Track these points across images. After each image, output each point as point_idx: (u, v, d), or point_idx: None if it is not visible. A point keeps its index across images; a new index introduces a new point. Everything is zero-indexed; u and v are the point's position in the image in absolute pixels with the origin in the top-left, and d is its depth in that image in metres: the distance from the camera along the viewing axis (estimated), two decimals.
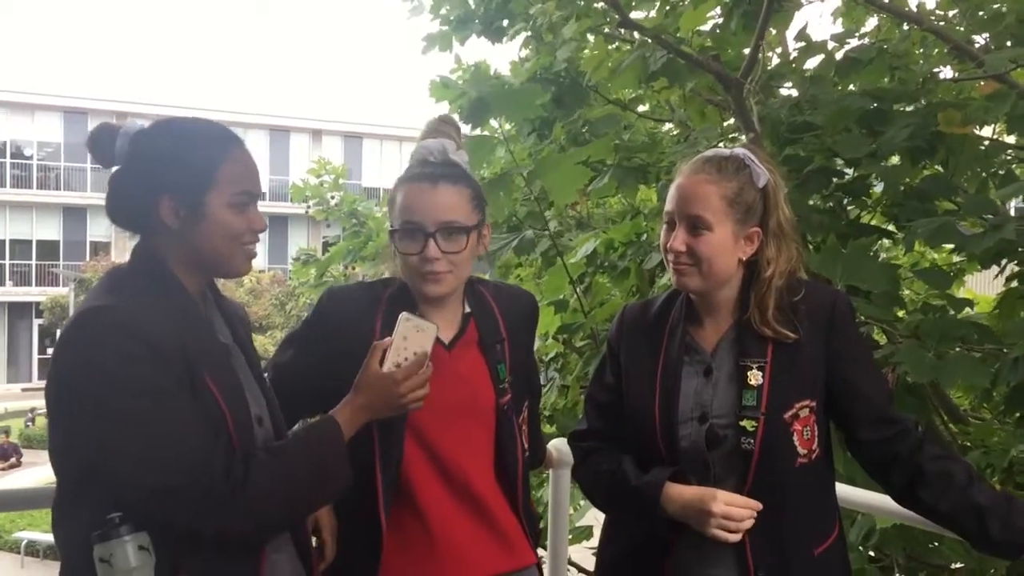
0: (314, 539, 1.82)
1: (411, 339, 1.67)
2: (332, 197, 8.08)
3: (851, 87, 3.66)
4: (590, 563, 2.09)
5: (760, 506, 1.69)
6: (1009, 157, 3.50)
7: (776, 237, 1.74)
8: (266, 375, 1.78)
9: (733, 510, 1.67)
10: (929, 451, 1.72)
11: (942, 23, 3.92)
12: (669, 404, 1.75)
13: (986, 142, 3.38)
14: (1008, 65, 2.95)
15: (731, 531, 1.67)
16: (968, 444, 3.10)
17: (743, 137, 3.36)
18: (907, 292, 3.82)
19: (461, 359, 1.84)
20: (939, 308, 2.88)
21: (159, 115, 1.87)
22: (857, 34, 4.14)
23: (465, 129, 3.86)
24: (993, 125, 3.55)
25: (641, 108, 4.82)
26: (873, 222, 3.38)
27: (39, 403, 25.04)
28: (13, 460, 20.41)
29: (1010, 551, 1.72)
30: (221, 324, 1.69)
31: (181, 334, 1.52)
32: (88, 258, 30.42)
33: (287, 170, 31.35)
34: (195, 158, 1.58)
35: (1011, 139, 3.68)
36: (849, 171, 3.25)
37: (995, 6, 3.59)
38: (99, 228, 32.21)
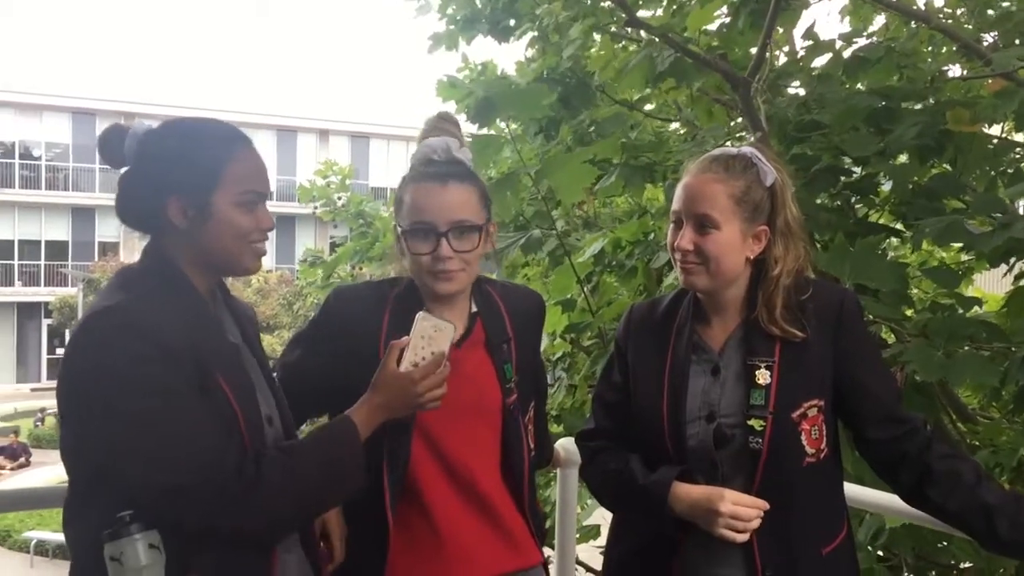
0: (321, 543, 1.83)
1: (428, 339, 1.67)
2: (339, 198, 8.10)
3: (859, 86, 3.66)
4: (597, 562, 2.09)
5: (767, 506, 1.68)
6: (1018, 155, 3.49)
7: (784, 236, 1.74)
8: (274, 375, 1.79)
9: (741, 510, 1.67)
10: (937, 450, 1.72)
11: (950, 21, 3.91)
12: (677, 403, 1.75)
13: (995, 140, 3.37)
14: (1016, 63, 2.94)
15: (739, 531, 1.67)
16: (977, 443, 3.10)
17: (750, 136, 3.35)
18: (915, 291, 3.81)
19: (467, 359, 1.84)
20: (947, 307, 2.87)
21: (167, 115, 1.88)
22: (865, 33, 4.13)
23: (472, 128, 3.87)
24: (1002, 123, 3.53)
25: (647, 107, 4.82)
26: (881, 221, 3.37)
27: (48, 403, 25.18)
28: (22, 460, 20.49)
29: (1019, 550, 1.72)
30: (231, 324, 1.70)
31: (192, 334, 1.52)
32: (97, 258, 30.51)
33: (294, 170, 31.42)
34: (202, 158, 1.59)
35: (1020, 137, 3.67)
36: (857, 170, 3.25)
37: (1004, 4, 3.59)
38: (108, 228, 32.32)
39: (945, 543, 2.93)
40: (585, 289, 4.03)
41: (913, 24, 3.94)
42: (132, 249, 30.35)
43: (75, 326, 1.53)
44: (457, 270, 1.79)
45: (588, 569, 3.87)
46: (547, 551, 2.10)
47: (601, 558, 2.01)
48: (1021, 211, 2.98)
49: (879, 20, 4.46)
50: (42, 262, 31.91)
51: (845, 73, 3.66)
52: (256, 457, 1.50)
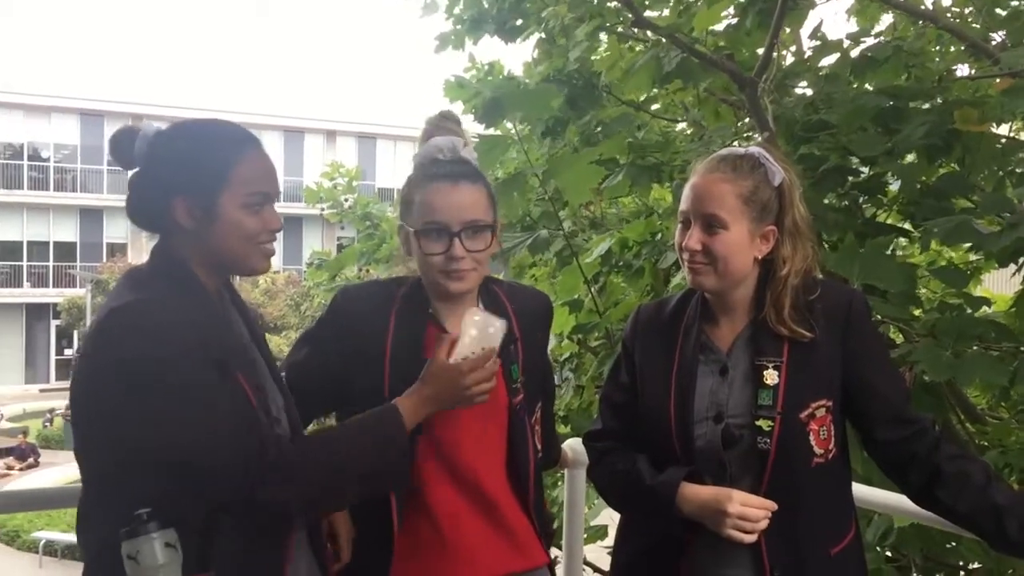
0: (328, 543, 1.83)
1: (479, 333, 1.68)
2: (346, 200, 8.10)
3: (867, 86, 3.65)
4: (605, 562, 2.09)
5: (776, 506, 1.68)
6: None
7: (792, 235, 1.74)
8: (282, 375, 1.79)
9: (749, 510, 1.66)
10: (947, 451, 1.71)
11: (957, 21, 3.90)
12: (684, 403, 1.74)
13: (1003, 140, 3.35)
14: None
15: (747, 531, 1.67)
16: (986, 444, 3.08)
17: (758, 136, 3.34)
18: (924, 291, 3.80)
19: None
20: (956, 307, 2.87)
21: (175, 117, 1.89)
22: (872, 32, 4.12)
23: (478, 128, 3.87)
24: (1010, 123, 3.53)
25: (654, 107, 4.81)
26: (889, 220, 3.36)
27: (57, 404, 25.28)
28: (31, 460, 20.56)
29: None
30: (239, 323, 1.71)
31: (206, 331, 1.54)
32: (105, 259, 30.62)
33: (301, 171, 31.47)
34: (209, 159, 1.60)
35: None
36: (865, 169, 3.24)
37: (1013, 3, 3.57)
38: (116, 230, 32.42)
39: (954, 543, 2.93)
40: (592, 290, 4.02)
41: (920, 24, 3.93)
42: (140, 250, 30.40)
43: (90, 327, 1.53)
44: (469, 269, 1.79)
45: (596, 570, 3.87)
46: (555, 552, 2.09)
47: (609, 558, 2.01)
48: None
49: (886, 19, 4.45)
50: (50, 263, 32.03)
51: (853, 73, 3.65)
52: (294, 436, 1.53)
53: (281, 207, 1.70)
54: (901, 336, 2.93)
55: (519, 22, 4.66)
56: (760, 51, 3.59)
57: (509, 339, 1.88)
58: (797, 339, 1.71)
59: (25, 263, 31.74)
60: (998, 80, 3.25)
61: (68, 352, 31.54)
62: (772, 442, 1.67)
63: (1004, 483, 1.75)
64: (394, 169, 32.30)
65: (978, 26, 3.65)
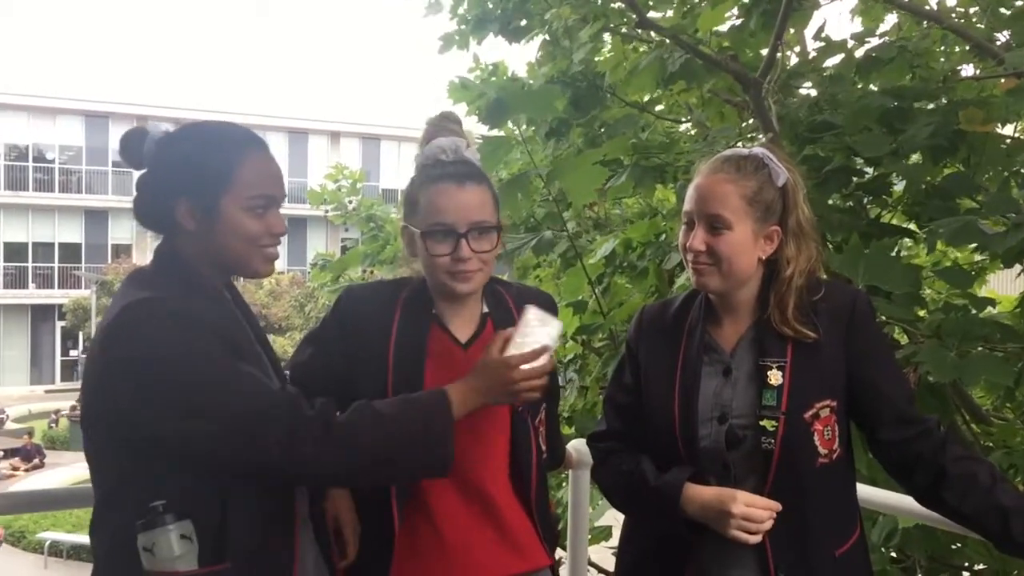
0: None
1: (534, 332, 1.68)
2: (350, 202, 8.11)
3: (871, 86, 3.64)
4: (610, 563, 2.09)
5: (780, 507, 1.68)
6: None
7: (796, 236, 1.74)
8: (286, 374, 1.80)
9: (753, 511, 1.66)
10: (952, 452, 1.71)
11: (962, 21, 3.89)
12: (688, 404, 1.74)
13: (1008, 140, 3.35)
14: None
15: (751, 532, 1.67)
16: (991, 444, 3.08)
17: (762, 137, 3.34)
18: (928, 291, 3.80)
19: (476, 359, 1.84)
20: (961, 307, 2.86)
21: (179, 118, 1.90)
22: (877, 33, 4.11)
23: (482, 129, 3.87)
24: (1015, 123, 3.52)
25: (658, 108, 4.81)
26: (894, 221, 3.36)
27: (62, 404, 25.33)
28: (36, 461, 20.59)
29: None
30: (243, 323, 1.71)
31: (219, 324, 1.56)
32: (110, 260, 30.70)
33: (305, 172, 31.51)
34: (212, 161, 1.60)
35: None
36: (869, 170, 3.24)
37: (1017, 3, 3.56)
38: (121, 231, 32.50)
39: (959, 544, 2.92)
40: (596, 291, 4.02)
41: (925, 24, 3.93)
42: (145, 251, 30.49)
43: (103, 325, 1.52)
44: (476, 270, 1.79)
45: (600, 570, 3.86)
46: (559, 552, 2.09)
47: (613, 559, 2.00)
48: None
49: (890, 20, 4.44)
50: (55, 264, 32.09)
51: (858, 73, 3.64)
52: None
53: (285, 208, 1.71)
54: (906, 337, 2.93)
55: (523, 23, 4.67)
56: (764, 51, 3.59)
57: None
58: (801, 339, 1.71)
59: (30, 264, 31.81)
60: (1003, 80, 3.24)
61: (73, 353, 31.62)
62: (776, 442, 1.67)
63: (1009, 484, 1.74)
64: (398, 170, 32.34)
65: (983, 26, 3.64)
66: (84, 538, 14.64)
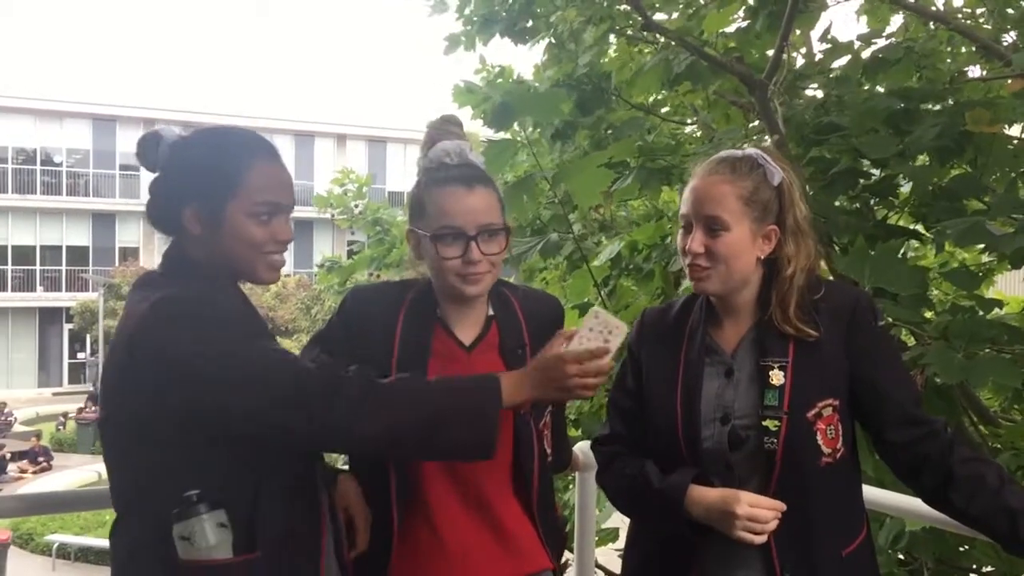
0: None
1: (596, 333, 1.67)
2: (356, 205, 8.13)
3: (878, 88, 3.64)
4: (617, 565, 2.09)
5: (784, 507, 1.68)
6: None
7: (794, 234, 1.74)
8: None
9: (757, 511, 1.66)
10: (960, 453, 1.70)
11: (969, 22, 3.88)
12: (691, 406, 1.75)
13: (1015, 141, 3.34)
14: None
15: (756, 533, 1.67)
16: (999, 446, 3.07)
17: (768, 139, 3.34)
18: (936, 292, 3.78)
19: (480, 362, 1.84)
20: (968, 309, 2.85)
21: (186, 121, 1.92)
22: (884, 34, 4.11)
23: (488, 133, 3.87)
24: (1022, 124, 3.51)
25: (663, 110, 4.81)
26: (900, 223, 3.35)
27: (70, 407, 25.40)
28: (44, 464, 20.65)
29: None
30: (259, 314, 1.74)
31: (245, 313, 1.60)
32: (117, 263, 30.80)
33: (312, 175, 31.54)
34: (220, 166, 1.61)
35: None
36: (876, 172, 3.23)
37: (1023, 3, 3.56)
38: (128, 233, 32.60)
39: (967, 547, 2.91)
40: (602, 293, 4.02)
41: (932, 25, 3.92)
42: (152, 253, 30.59)
43: (138, 322, 1.52)
44: (485, 272, 1.79)
45: (607, 572, 3.86)
46: (566, 555, 2.09)
47: (620, 561, 2.00)
48: None
49: (896, 20, 4.44)
50: (63, 267, 32.19)
51: (864, 74, 3.64)
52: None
53: None
54: (913, 339, 2.92)
55: (529, 24, 4.67)
56: (770, 52, 3.58)
57: (518, 342, 1.88)
58: (803, 338, 1.71)
59: (38, 267, 31.91)
60: (1010, 81, 3.23)
61: (81, 356, 31.71)
62: (779, 442, 1.67)
63: (1018, 486, 1.73)
64: (404, 173, 32.37)
65: (989, 27, 3.63)
66: (92, 540, 14.71)
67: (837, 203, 3.28)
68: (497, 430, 1.59)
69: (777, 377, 1.70)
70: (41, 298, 31.64)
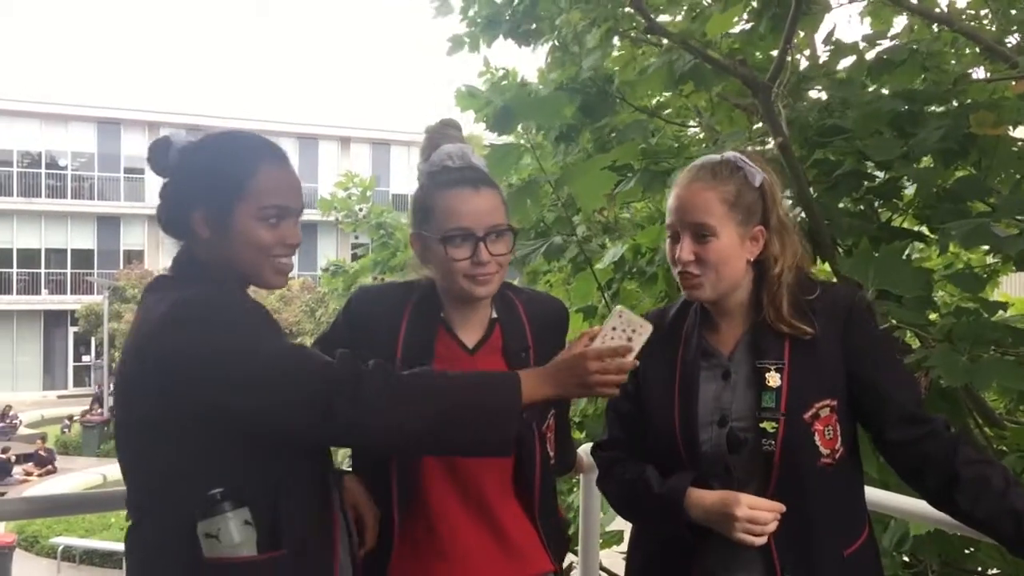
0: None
1: (619, 332, 1.67)
2: (360, 209, 8.16)
3: (882, 89, 3.63)
4: (621, 568, 2.09)
5: (784, 508, 1.68)
6: None
7: (779, 233, 1.75)
8: None
9: (757, 513, 1.66)
10: (964, 454, 1.70)
11: (973, 23, 3.88)
12: (688, 409, 1.75)
13: (1020, 143, 3.33)
14: None
15: (756, 534, 1.67)
16: (1004, 448, 3.06)
17: (771, 141, 3.34)
18: (941, 293, 3.78)
19: (482, 365, 1.85)
20: (972, 311, 2.85)
21: (191, 124, 1.93)
22: (888, 35, 4.11)
23: (491, 137, 3.88)
24: None
25: (666, 112, 4.80)
26: (905, 225, 3.35)
27: (75, 410, 25.47)
28: (49, 467, 20.68)
29: None
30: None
31: (265, 311, 1.60)
32: (122, 266, 30.84)
33: (316, 178, 31.60)
34: (228, 170, 1.62)
35: None
36: (880, 174, 3.23)
37: None
38: (133, 236, 32.68)
39: (972, 549, 2.90)
40: (606, 296, 4.02)
41: (935, 27, 3.92)
42: (157, 256, 30.66)
43: (157, 323, 1.53)
44: (494, 273, 1.80)
45: (611, 575, 3.86)
46: (571, 557, 2.09)
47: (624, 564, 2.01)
48: None
49: (900, 21, 4.43)
50: (68, 270, 32.27)
51: (869, 75, 3.64)
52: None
53: None
54: (917, 341, 2.91)
55: (533, 26, 4.67)
56: (774, 52, 3.58)
57: (522, 345, 1.88)
58: (798, 338, 1.72)
59: (43, 270, 31.98)
60: (1014, 83, 3.23)
61: (86, 359, 31.77)
62: (777, 444, 1.68)
63: (1023, 488, 1.73)
64: (408, 175, 32.30)
65: (993, 29, 3.63)
66: (97, 543, 14.75)
67: (841, 205, 3.27)
68: (514, 428, 1.59)
69: (774, 379, 1.71)
70: (46, 301, 31.71)
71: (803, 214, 3.15)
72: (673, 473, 1.75)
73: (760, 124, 3.83)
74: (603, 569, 3.30)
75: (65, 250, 32.42)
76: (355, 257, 9.87)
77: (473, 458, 1.80)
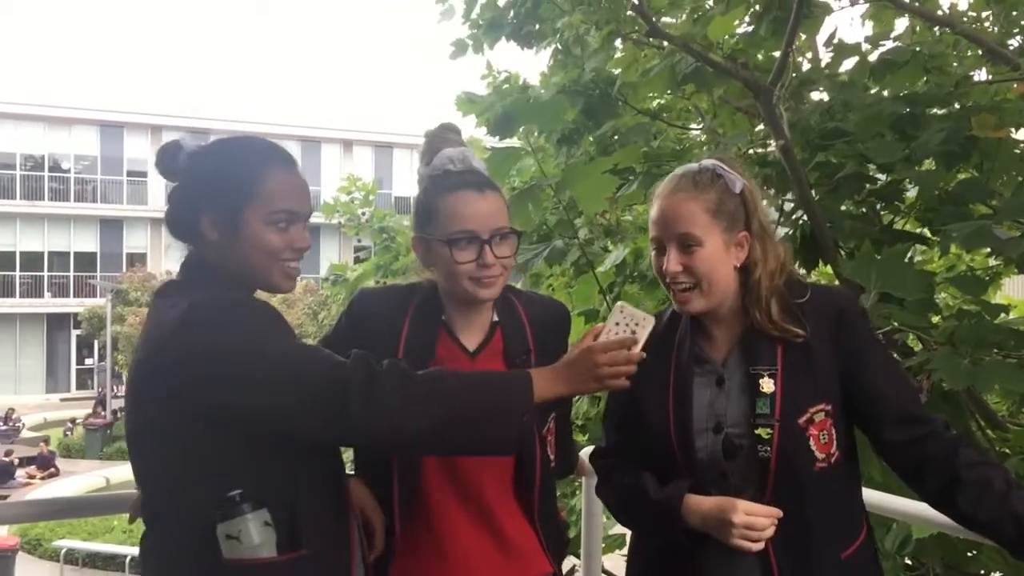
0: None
1: (622, 327, 1.68)
2: (363, 213, 8.17)
3: (884, 92, 3.63)
4: (623, 571, 2.09)
5: (781, 513, 1.68)
6: None
7: (760, 238, 1.76)
8: None
9: (754, 519, 1.66)
10: (966, 456, 1.70)
11: (975, 26, 3.88)
12: (683, 416, 1.75)
13: (1022, 145, 3.33)
14: None
15: (753, 540, 1.67)
16: (1007, 451, 3.06)
17: (772, 144, 3.34)
18: (943, 296, 3.77)
19: (482, 368, 1.85)
20: (974, 314, 2.85)
21: (194, 127, 1.93)
22: (891, 36, 4.10)
23: (492, 141, 3.88)
24: None
25: (668, 115, 4.80)
26: (907, 227, 3.35)
27: (77, 413, 25.49)
28: (52, 469, 20.70)
29: None
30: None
31: (277, 313, 1.61)
32: (125, 269, 30.88)
33: (319, 180, 31.59)
34: (237, 174, 1.63)
35: None
36: (882, 176, 3.23)
37: None
38: (135, 239, 32.71)
39: (974, 552, 2.90)
40: (607, 299, 4.02)
41: (937, 30, 3.92)
42: (159, 259, 30.69)
43: (172, 328, 1.53)
44: (498, 275, 1.81)
45: None
46: (573, 560, 2.09)
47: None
48: None
49: (901, 23, 4.43)
50: (71, 273, 32.31)
51: (872, 77, 3.63)
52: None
53: None
54: (919, 344, 2.91)
55: (536, 27, 4.67)
56: (776, 55, 3.58)
57: (523, 349, 1.88)
58: (791, 343, 1.72)
59: (46, 273, 32.03)
60: (1016, 85, 3.23)
61: (88, 362, 31.81)
62: (772, 450, 1.68)
63: None
64: (411, 178, 32.03)
65: (995, 31, 3.63)
66: (99, 546, 14.76)
67: (843, 208, 3.28)
68: (518, 427, 1.60)
69: (768, 385, 1.71)
70: (49, 304, 31.75)
71: (805, 217, 3.15)
72: (671, 480, 1.75)
73: (762, 127, 3.83)
74: (605, 573, 3.30)
75: (68, 253, 32.46)
76: (357, 260, 9.86)
77: (473, 459, 1.80)
